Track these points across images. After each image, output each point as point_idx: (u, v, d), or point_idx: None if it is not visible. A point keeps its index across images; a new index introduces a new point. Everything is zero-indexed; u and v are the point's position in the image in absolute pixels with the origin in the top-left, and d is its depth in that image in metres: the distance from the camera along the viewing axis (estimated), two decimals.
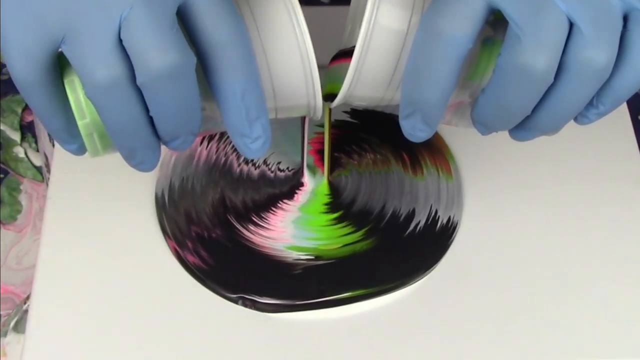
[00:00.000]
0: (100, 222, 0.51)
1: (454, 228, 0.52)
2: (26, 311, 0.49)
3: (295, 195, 0.56)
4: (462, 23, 0.38)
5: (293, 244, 0.53)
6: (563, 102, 0.39)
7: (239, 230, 0.53)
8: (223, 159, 0.57)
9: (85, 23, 0.37)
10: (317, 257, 0.52)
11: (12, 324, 0.53)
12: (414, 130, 0.41)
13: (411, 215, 0.53)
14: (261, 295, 0.49)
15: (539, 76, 0.38)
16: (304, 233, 0.54)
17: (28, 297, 0.50)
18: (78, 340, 0.46)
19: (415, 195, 0.54)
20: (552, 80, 0.38)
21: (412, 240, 0.52)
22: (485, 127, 0.41)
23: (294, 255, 0.52)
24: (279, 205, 0.55)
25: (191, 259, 0.51)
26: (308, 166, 0.56)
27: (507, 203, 0.52)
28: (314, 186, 0.56)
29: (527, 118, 0.40)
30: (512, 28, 0.38)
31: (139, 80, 0.37)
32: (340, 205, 0.55)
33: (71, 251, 0.49)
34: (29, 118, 0.72)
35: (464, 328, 0.48)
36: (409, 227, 0.52)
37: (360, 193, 0.56)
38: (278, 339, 0.48)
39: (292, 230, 0.54)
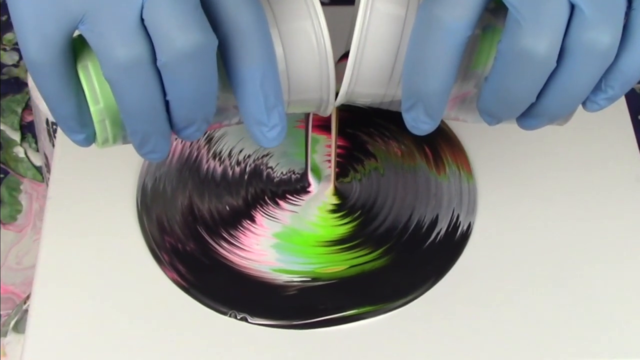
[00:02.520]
0: (100, 222, 0.51)
1: (470, 234, 0.52)
2: (26, 311, 0.49)
3: (287, 205, 0.54)
4: (460, 10, 0.38)
5: (280, 267, 0.51)
6: (568, 87, 0.39)
7: (213, 246, 0.52)
8: (195, 154, 0.56)
9: (107, 2, 0.37)
10: (315, 279, 0.50)
11: (12, 324, 0.53)
12: (416, 122, 0.41)
13: (434, 222, 0.52)
14: (252, 315, 0.48)
15: (541, 61, 0.37)
16: (292, 258, 0.52)
17: (28, 297, 0.51)
18: (78, 340, 0.46)
19: (440, 199, 0.53)
20: (554, 64, 0.38)
21: (431, 251, 0.51)
22: (491, 116, 0.41)
23: (284, 278, 0.50)
24: (256, 219, 0.53)
25: (169, 273, 0.50)
26: (313, 169, 0.54)
27: (516, 206, 0.52)
28: (318, 196, 0.54)
29: (533, 105, 0.40)
30: (511, 13, 0.37)
31: (160, 61, 0.37)
32: (360, 231, 0.52)
33: (71, 251, 0.49)
34: (29, 118, 0.73)
35: (471, 334, 0.47)
36: (430, 236, 0.51)
37: (389, 198, 0.54)
38: (275, 350, 0.47)
39: (275, 255, 0.52)
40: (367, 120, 0.54)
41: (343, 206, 0.54)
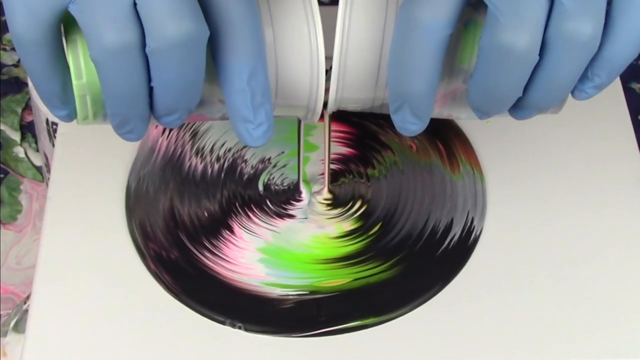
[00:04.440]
0: (100, 223, 0.51)
1: (480, 238, 0.51)
2: (26, 311, 0.49)
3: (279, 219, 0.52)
4: (439, 9, 0.38)
5: (273, 281, 0.50)
6: (553, 78, 0.39)
7: (197, 256, 0.51)
8: (179, 150, 0.55)
9: None
10: (313, 292, 0.49)
11: (12, 324, 0.53)
12: (404, 123, 0.41)
13: (449, 227, 0.51)
14: (247, 328, 0.47)
15: (522, 55, 0.37)
16: (284, 273, 0.51)
17: (28, 297, 0.51)
18: (78, 340, 0.47)
19: (455, 201, 0.52)
20: (536, 57, 0.38)
21: (442, 257, 0.50)
22: (480, 111, 0.41)
23: (278, 292, 0.49)
24: (233, 228, 0.52)
25: (159, 282, 0.49)
26: (305, 181, 0.53)
27: (524, 209, 0.52)
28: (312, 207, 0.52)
29: (521, 98, 0.40)
30: (490, 9, 0.37)
31: (150, 47, 0.37)
32: (372, 246, 0.51)
33: (71, 251, 0.49)
34: (29, 118, 0.73)
35: (477, 338, 0.47)
36: (443, 243, 0.50)
37: (409, 202, 0.53)
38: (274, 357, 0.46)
39: (264, 269, 0.50)
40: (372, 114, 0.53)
41: (356, 230, 0.52)
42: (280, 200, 0.52)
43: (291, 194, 0.53)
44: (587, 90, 0.40)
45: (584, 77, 0.40)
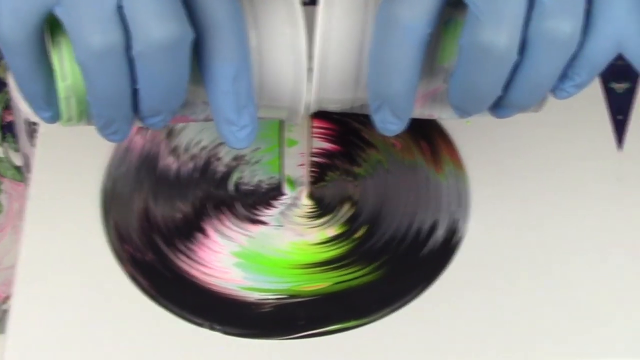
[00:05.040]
0: (80, 223, 0.50)
1: (463, 239, 0.50)
2: (5, 311, 0.50)
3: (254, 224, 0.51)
4: (418, 8, 0.38)
5: (250, 285, 0.49)
6: (533, 77, 0.39)
7: (171, 259, 0.50)
8: (154, 150, 0.55)
9: None
10: (292, 296, 0.48)
11: None
12: (384, 123, 0.41)
13: (432, 229, 0.51)
14: (226, 331, 0.47)
15: (501, 53, 0.38)
16: (261, 277, 0.50)
17: (8, 298, 0.51)
18: (59, 339, 0.46)
19: (439, 201, 0.51)
20: (515, 56, 0.38)
21: (426, 260, 0.49)
22: (460, 110, 0.41)
23: (256, 296, 0.48)
24: (206, 229, 0.51)
25: (135, 284, 0.48)
26: (289, 180, 0.53)
27: (505, 208, 0.52)
28: (294, 206, 0.52)
29: (502, 96, 0.40)
30: (470, 8, 0.37)
31: (135, 49, 0.37)
32: (355, 250, 0.50)
33: (52, 252, 0.49)
34: (9, 118, 0.71)
35: (460, 338, 0.47)
36: (427, 244, 0.50)
37: (394, 203, 0.52)
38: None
39: (241, 273, 0.50)
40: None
41: (339, 236, 0.51)
42: (249, 204, 0.52)
43: (263, 196, 0.52)
44: (568, 89, 0.40)
45: (564, 76, 0.40)
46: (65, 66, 0.39)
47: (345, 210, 0.51)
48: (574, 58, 0.39)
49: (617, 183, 0.53)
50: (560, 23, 0.37)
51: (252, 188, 0.52)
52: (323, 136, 0.54)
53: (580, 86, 0.40)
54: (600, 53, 0.39)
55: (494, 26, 0.37)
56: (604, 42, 0.39)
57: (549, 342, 0.47)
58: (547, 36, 0.37)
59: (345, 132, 0.53)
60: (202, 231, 0.50)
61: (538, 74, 0.39)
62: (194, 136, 0.54)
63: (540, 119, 0.48)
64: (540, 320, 0.47)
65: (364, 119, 0.52)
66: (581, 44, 0.38)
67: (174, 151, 0.53)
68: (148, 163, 0.53)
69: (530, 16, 0.37)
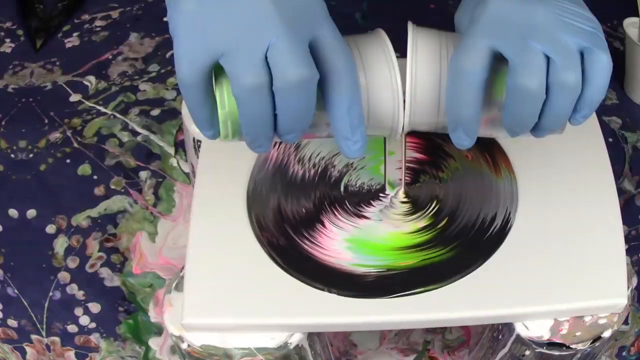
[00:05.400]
0: (233, 215, 0.53)
1: (512, 227, 0.52)
2: (182, 276, 0.53)
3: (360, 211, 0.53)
4: (477, 61, 0.42)
5: (357, 262, 0.50)
6: (555, 110, 0.43)
7: (298, 243, 0.52)
8: (285, 160, 0.56)
9: (243, 44, 0.39)
10: (389, 270, 0.50)
11: (173, 285, 0.54)
12: (459, 140, 0.45)
13: (493, 219, 0.52)
14: (340, 294, 0.49)
15: (534, 93, 0.42)
16: (366, 257, 0.50)
17: (183, 267, 0.53)
18: (220, 298, 0.50)
19: (498, 198, 0.53)
20: (544, 95, 0.42)
21: (486, 241, 0.52)
22: (511, 131, 0.45)
23: (362, 270, 0.50)
24: (324, 223, 0.52)
25: (273, 261, 0.50)
26: (389, 182, 0.55)
27: (542, 204, 0.55)
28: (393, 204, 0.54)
29: (537, 122, 0.44)
30: (510, 62, 0.42)
31: (276, 86, 0.39)
32: (437, 236, 0.51)
33: (211, 235, 0.52)
34: (180, 137, 0.78)
35: (498, 290, 0.50)
36: (489, 231, 0.52)
37: (468, 199, 0.53)
38: (359, 312, 0.49)
39: (350, 254, 0.51)
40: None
41: (427, 226, 0.52)
42: (356, 202, 0.53)
43: (366, 195, 0.54)
44: (578, 119, 0.45)
45: (574, 110, 0.44)
46: (225, 98, 0.42)
47: (433, 206, 0.53)
48: (579, 99, 0.43)
49: (610, 188, 0.55)
50: (568, 75, 0.42)
51: (357, 189, 0.54)
52: (415, 149, 0.57)
53: (586, 117, 0.44)
54: (594, 96, 0.43)
55: (527, 75, 0.41)
56: (596, 89, 0.43)
57: (566, 288, 0.51)
58: (561, 84, 0.42)
59: (432, 146, 0.56)
60: (321, 223, 0.53)
61: (558, 109, 0.43)
62: (315, 149, 0.56)
63: (566, 140, 0.53)
64: (559, 271, 0.51)
65: (445, 137, 0.53)
66: (582, 90, 0.43)
67: (300, 161, 0.55)
68: (281, 170, 0.55)
69: (549, 71, 0.42)
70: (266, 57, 0.39)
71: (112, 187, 0.76)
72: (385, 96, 0.44)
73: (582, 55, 0.43)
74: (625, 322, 0.67)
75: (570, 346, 0.50)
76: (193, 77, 0.41)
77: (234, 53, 0.40)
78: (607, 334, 0.51)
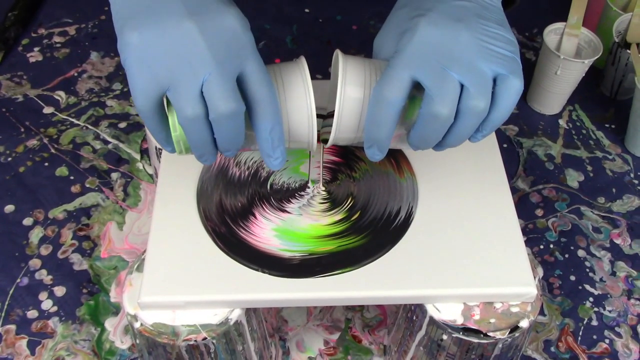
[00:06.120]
0: (185, 208, 0.58)
1: (413, 218, 0.56)
2: (143, 259, 0.55)
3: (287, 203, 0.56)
4: (397, 90, 0.45)
5: (284, 248, 0.54)
6: (460, 132, 0.47)
7: (236, 231, 0.55)
8: (226, 163, 0.59)
9: (182, 80, 0.42)
10: (311, 254, 0.54)
11: (135, 266, 0.56)
12: (373, 155, 0.49)
13: (398, 212, 0.57)
14: (271, 273, 0.53)
15: (444, 119, 0.45)
16: (291, 244, 0.54)
17: (144, 251, 0.55)
18: (173, 276, 0.54)
19: (401, 195, 0.58)
20: (452, 120, 0.46)
21: (392, 231, 0.56)
22: (415, 147, 0.49)
23: (287, 254, 0.54)
24: (255, 213, 0.55)
25: (216, 245, 0.53)
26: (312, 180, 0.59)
27: (439, 200, 0.59)
28: (310, 197, 0.58)
29: (440, 141, 0.48)
30: (426, 91, 0.45)
31: (211, 117, 0.43)
32: (351, 227, 0.55)
33: (169, 225, 0.57)
34: (145, 145, 0.82)
35: (411, 273, 0.54)
36: (394, 222, 0.56)
37: (376, 196, 0.57)
38: (287, 290, 0.53)
39: (278, 242, 0.55)
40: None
41: (342, 219, 0.56)
42: (279, 198, 0.57)
43: (287, 192, 0.58)
44: (478, 137, 0.48)
45: (476, 130, 0.47)
46: (176, 125, 0.46)
47: (348, 202, 0.58)
48: (483, 120, 0.46)
49: (505, 189, 0.59)
50: (478, 102, 0.44)
51: (279, 187, 0.59)
52: (333, 153, 0.62)
53: (485, 136, 0.48)
54: (498, 119, 0.46)
55: (441, 103, 0.44)
56: (502, 112, 0.46)
57: (471, 274, 0.54)
58: (470, 109, 0.44)
59: (346, 151, 0.62)
60: (253, 215, 0.57)
61: (463, 130, 0.46)
62: (250, 154, 0.61)
63: (459, 152, 0.59)
64: (459, 258, 0.55)
65: (357, 149, 0.61)
66: (488, 113, 0.46)
67: (237, 164, 0.60)
68: (222, 172, 0.59)
69: (461, 96, 0.44)
70: (201, 93, 0.42)
71: (87, 185, 0.78)
72: (303, 118, 0.47)
73: (495, 80, 0.44)
74: (542, 313, 0.67)
75: (488, 334, 0.51)
76: (147, 107, 0.44)
77: (175, 88, 0.42)
78: (524, 323, 0.51)
